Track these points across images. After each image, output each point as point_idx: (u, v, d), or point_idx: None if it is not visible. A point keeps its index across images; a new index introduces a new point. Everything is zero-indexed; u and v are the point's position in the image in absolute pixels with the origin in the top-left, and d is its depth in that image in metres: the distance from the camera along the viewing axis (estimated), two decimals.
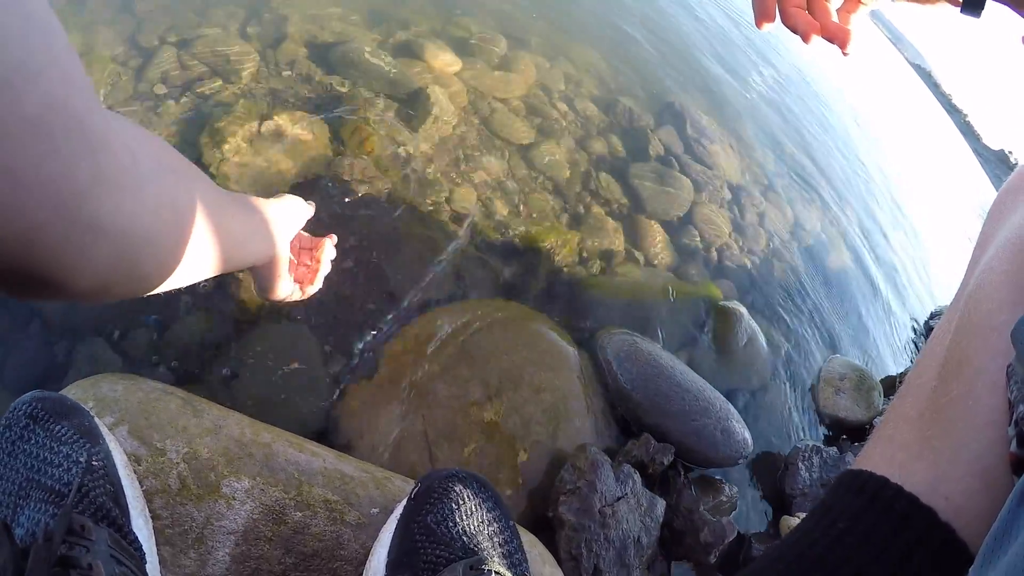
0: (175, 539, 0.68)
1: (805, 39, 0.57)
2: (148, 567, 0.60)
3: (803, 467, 1.32)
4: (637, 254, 1.56)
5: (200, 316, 1.01)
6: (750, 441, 1.23)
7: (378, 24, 1.73)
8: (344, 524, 0.74)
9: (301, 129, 1.30)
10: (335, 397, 0.99)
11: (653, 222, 1.67)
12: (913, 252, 3.05)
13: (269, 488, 0.73)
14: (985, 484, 0.43)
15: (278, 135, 1.26)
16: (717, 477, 1.22)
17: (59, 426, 0.64)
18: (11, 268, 0.31)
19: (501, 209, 1.42)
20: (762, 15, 0.59)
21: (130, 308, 1.00)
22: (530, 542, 0.84)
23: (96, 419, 0.69)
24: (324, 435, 0.95)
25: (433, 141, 1.46)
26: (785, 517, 1.24)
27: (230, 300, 1.03)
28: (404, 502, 0.70)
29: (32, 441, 0.64)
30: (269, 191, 1.17)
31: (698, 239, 1.75)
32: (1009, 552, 0.32)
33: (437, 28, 1.83)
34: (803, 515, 1.22)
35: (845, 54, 0.58)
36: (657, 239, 1.63)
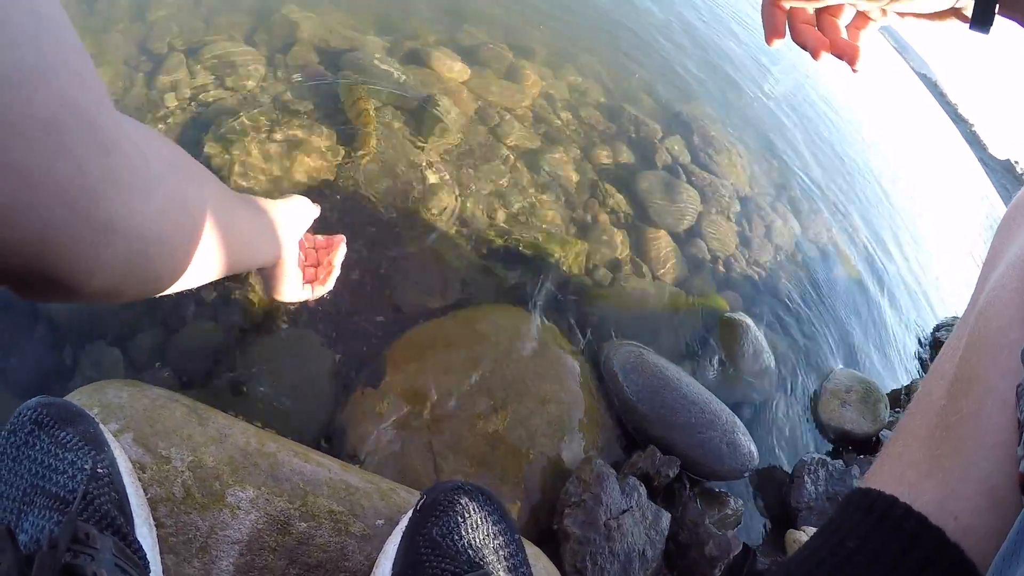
0: (179, 548, 0.68)
1: (815, 56, 0.58)
2: None
3: (809, 480, 1.31)
4: (643, 264, 1.55)
5: (206, 322, 1.01)
6: (756, 454, 1.22)
7: (386, 32, 1.74)
8: (349, 535, 0.74)
9: (308, 137, 1.30)
10: (340, 406, 0.99)
11: (660, 232, 1.66)
12: (919, 262, 3.04)
13: (274, 498, 0.73)
14: (994, 504, 0.43)
15: (285, 142, 1.27)
16: (722, 490, 1.21)
17: (64, 432, 0.64)
18: (24, 268, 0.31)
19: (507, 218, 1.42)
20: (772, 32, 0.59)
21: (136, 312, 0.99)
22: (535, 555, 0.83)
23: (101, 426, 0.69)
24: (329, 444, 0.95)
25: (440, 149, 1.46)
26: (791, 531, 1.23)
27: (237, 306, 1.03)
28: (409, 514, 0.69)
29: (37, 447, 0.63)
30: (277, 194, 1.17)
31: (705, 250, 1.74)
32: (1018, 573, 0.32)
33: (445, 37, 1.84)
34: (809, 528, 1.22)
35: (854, 70, 0.58)
36: (664, 249, 1.63)
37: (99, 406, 0.77)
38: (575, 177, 1.64)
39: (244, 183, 1.17)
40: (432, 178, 1.38)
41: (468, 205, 1.38)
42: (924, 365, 2.22)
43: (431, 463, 0.96)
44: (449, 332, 1.13)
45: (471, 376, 1.07)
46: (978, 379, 0.46)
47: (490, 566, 0.62)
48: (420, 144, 1.44)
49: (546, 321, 1.26)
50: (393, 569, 0.65)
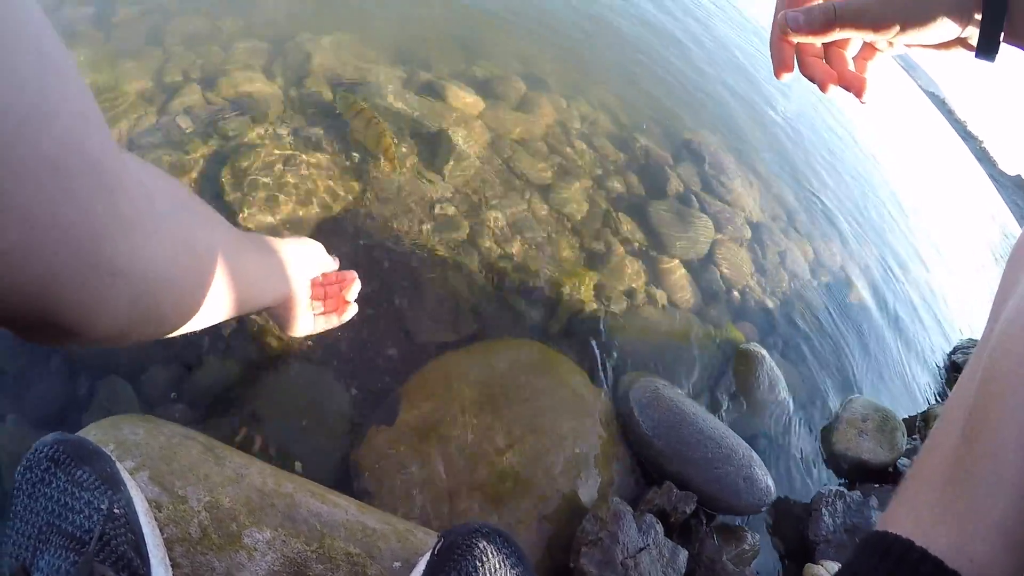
0: None
1: (823, 88, 0.58)
2: None
3: (827, 512, 1.30)
4: (659, 294, 1.55)
5: (221, 357, 1.01)
6: (772, 488, 1.20)
7: (400, 64, 1.76)
8: None
9: (323, 169, 1.31)
10: (355, 442, 0.99)
11: (674, 261, 1.66)
12: (932, 283, 3.02)
13: (291, 540, 0.73)
14: (1010, 545, 0.43)
15: (301, 176, 1.27)
16: (739, 524, 1.19)
17: (80, 471, 0.64)
18: (26, 312, 0.30)
19: (521, 249, 1.42)
20: (781, 66, 0.60)
21: (151, 346, 1.00)
22: None
23: (118, 464, 0.69)
24: (344, 481, 0.94)
25: (455, 181, 1.47)
26: (809, 565, 1.21)
27: (251, 341, 1.03)
28: (427, 557, 0.69)
29: (53, 485, 0.63)
30: (292, 229, 1.18)
31: (719, 278, 1.74)
32: None
33: (458, 69, 1.86)
34: (827, 563, 1.20)
35: (862, 102, 0.59)
36: (678, 279, 1.63)
37: (115, 442, 0.77)
38: (588, 207, 1.64)
39: (260, 217, 1.18)
40: (446, 210, 1.39)
41: (482, 237, 1.39)
42: (941, 390, 2.20)
43: (446, 500, 0.95)
44: (464, 367, 1.13)
45: (486, 412, 1.07)
46: (992, 420, 0.46)
47: None
48: (434, 176, 1.44)
49: (561, 354, 1.26)
50: None
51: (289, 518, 0.74)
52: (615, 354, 1.34)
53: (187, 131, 1.28)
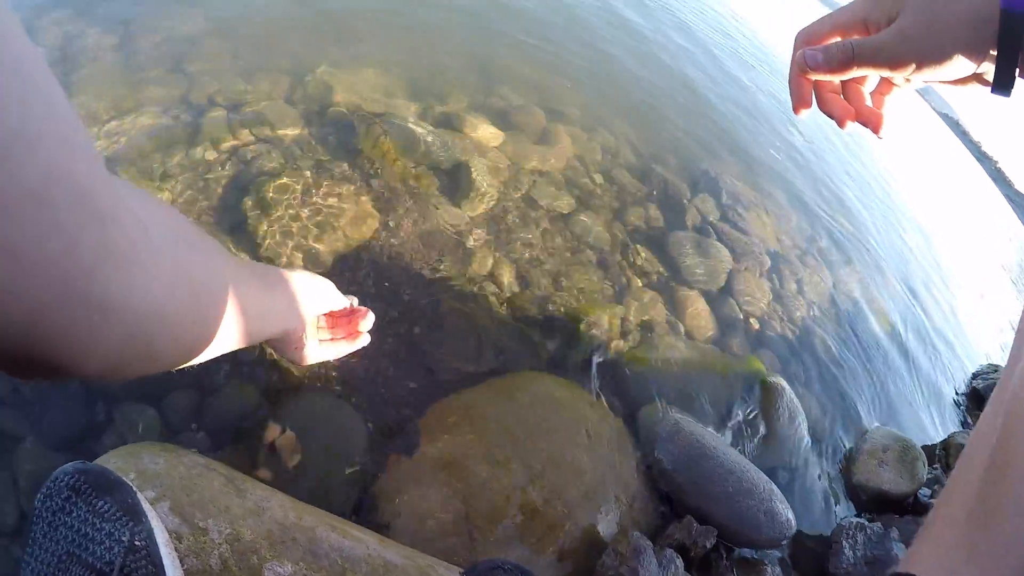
0: None
1: (840, 125, 0.59)
2: None
3: (847, 545, 1.27)
4: (678, 326, 1.55)
5: (241, 386, 1.01)
6: (793, 522, 1.19)
7: (419, 97, 1.77)
8: None
9: (344, 200, 1.32)
10: (375, 475, 0.98)
11: (693, 292, 1.66)
12: (951, 308, 2.99)
13: (312, 574, 0.72)
14: None
15: (322, 206, 1.28)
16: (759, 557, 1.18)
17: (102, 501, 0.64)
18: (14, 350, 0.29)
19: (541, 282, 1.42)
20: (800, 102, 0.61)
21: (170, 373, 1.00)
22: None
23: (139, 494, 0.69)
24: (363, 513, 0.94)
25: (475, 213, 1.48)
26: None
27: (272, 368, 1.03)
28: None
29: (74, 514, 0.63)
30: (311, 260, 1.18)
31: (738, 309, 1.73)
32: None
33: (477, 101, 1.87)
34: None
35: (879, 137, 0.60)
36: (698, 310, 1.62)
37: (135, 472, 0.77)
38: (608, 239, 1.64)
39: (281, 248, 1.19)
40: (466, 242, 1.40)
41: (502, 269, 1.39)
42: (963, 418, 2.17)
43: (466, 534, 0.94)
44: (484, 401, 1.12)
45: (506, 446, 1.06)
46: (1014, 462, 0.47)
47: None
48: (454, 209, 1.45)
49: (581, 388, 1.25)
50: None
51: (311, 552, 0.74)
52: (635, 386, 1.33)
53: (211, 159, 1.29)
